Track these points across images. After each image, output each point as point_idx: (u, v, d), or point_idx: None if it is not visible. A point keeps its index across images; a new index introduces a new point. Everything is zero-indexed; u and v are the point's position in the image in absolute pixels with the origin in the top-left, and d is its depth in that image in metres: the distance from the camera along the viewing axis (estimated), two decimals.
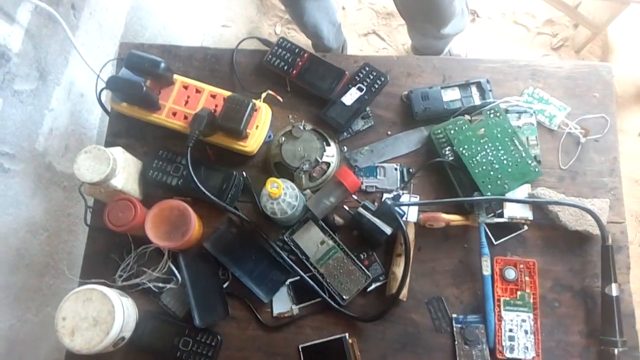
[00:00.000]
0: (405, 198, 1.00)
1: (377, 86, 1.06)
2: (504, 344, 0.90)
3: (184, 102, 1.03)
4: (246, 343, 0.94)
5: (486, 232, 0.97)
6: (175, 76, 1.05)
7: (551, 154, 1.02)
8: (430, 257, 0.97)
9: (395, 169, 1.02)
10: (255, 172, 1.03)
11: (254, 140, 1.01)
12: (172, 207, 0.95)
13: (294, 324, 0.95)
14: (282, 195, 0.87)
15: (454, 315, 0.94)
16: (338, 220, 0.99)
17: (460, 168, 0.98)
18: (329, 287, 0.95)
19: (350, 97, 1.05)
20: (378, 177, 1.02)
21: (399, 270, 0.93)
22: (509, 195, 0.96)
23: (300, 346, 0.93)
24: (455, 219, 0.97)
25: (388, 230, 0.95)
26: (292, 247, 0.97)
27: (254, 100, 1.00)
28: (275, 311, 0.96)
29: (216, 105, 1.01)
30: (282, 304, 0.96)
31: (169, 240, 0.93)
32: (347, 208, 0.98)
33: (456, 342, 0.92)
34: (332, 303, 0.94)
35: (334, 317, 0.95)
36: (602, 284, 0.91)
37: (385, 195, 1.00)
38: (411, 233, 0.96)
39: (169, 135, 1.03)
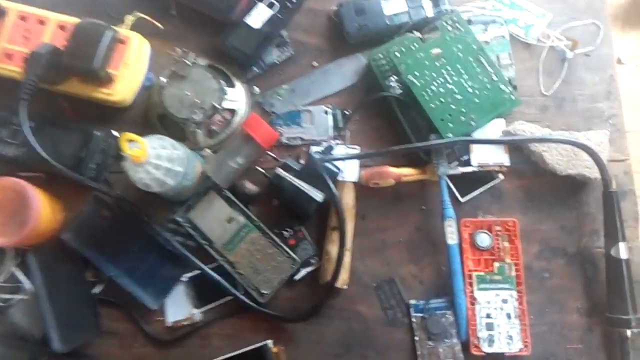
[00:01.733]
0: (340, 150, 0.74)
1: (294, 0, 0.77)
2: (480, 334, 0.67)
3: (22, 39, 0.73)
4: None
5: (449, 188, 0.72)
6: (8, 3, 0.74)
7: (530, 77, 0.76)
8: (378, 227, 0.72)
9: (326, 113, 0.76)
10: (136, 130, 0.75)
11: (123, 86, 0.72)
12: (4, 187, 0.66)
13: (197, 334, 0.70)
14: (151, 157, 0.60)
15: (412, 302, 0.70)
16: (250, 188, 0.72)
17: (410, 104, 0.72)
18: (243, 281, 0.69)
19: (258, 17, 0.76)
20: (303, 125, 0.75)
21: (334, 248, 0.68)
22: (476, 135, 0.71)
23: None
24: (407, 172, 0.72)
25: (319, 196, 0.69)
26: (189, 229, 0.70)
27: (115, 28, 0.71)
28: (170, 319, 0.70)
29: (67, 40, 0.71)
30: (178, 308, 0.70)
31: (4, 234, 0.65)
32: (262, 170, 0.72)
33: (416, 338, 0.69)
34: (248, 301, 0.69)
35: (252, 320, 0.70)
36: (605, 243, 0.68)
37: (314, 149, 0.74)
38: (349, 196, 0.71)
39: (4, 87, 0.73)
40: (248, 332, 0.69)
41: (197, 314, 0.70)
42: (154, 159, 0.60)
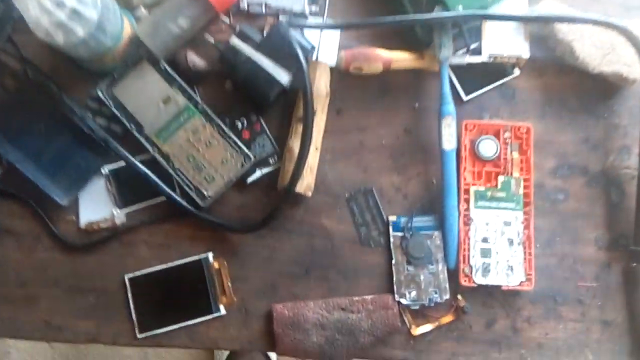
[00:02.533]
0: (315, 22, 0.57)
1: None
2: (472, 262, 0.54)
3: None
4: (33, 273, 0.54)
5: (451, 81, 0.57)
6: None
7: None
8: (357, 125, 0.57)
9: None
10: None
11: None
12: None
13: (118, 240, 0.55)
14: None
15: (392, 218, 0.56)
16: (196, 62, 0.56)
17: None
18: (179, 177, 0.55)
19: None
20: None
21: (298, 145, 0.53)
22: (492, 10, 0.55)
23: (127, 276, 0.54)
24: (400, 57, 0.56)
25: (284, 77, 0.53)
26: (113, 109, 0.55)
27: None
28: (84, 220, 0.55)
29: None
30: (95, 207, 0.55)
31: None
32: (212, 41, 0.55)
33: (394, 261, 0.55)
34: (185, 204, 0.54)
35: (189, 228, 0.55)
36: None
37: (283, 18, 0.58)
38: (323, 81, 0.55)
39: None
40: (183, 242, 0.55)
41: (119, 215, 0.55)
42: None
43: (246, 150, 0.55)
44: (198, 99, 0.55)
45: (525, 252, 0.54)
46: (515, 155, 0.56)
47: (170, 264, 0.55)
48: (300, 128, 0.54)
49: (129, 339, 0.54)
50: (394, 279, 0.54)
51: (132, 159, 0.54)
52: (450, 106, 0.54)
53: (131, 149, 0.55)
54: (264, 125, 0.56)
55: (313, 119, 0.52)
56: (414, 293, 0.54)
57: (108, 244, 0.55)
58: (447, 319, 0.54)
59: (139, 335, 0.54)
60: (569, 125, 0.57)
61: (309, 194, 0.54)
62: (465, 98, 0.57)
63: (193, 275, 0.54)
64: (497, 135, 0.56)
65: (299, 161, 0.51)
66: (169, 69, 0.55)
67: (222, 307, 0.54)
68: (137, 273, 0.54)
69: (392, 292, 0.54)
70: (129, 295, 0.54)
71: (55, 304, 0.54)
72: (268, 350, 0.54)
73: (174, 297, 0.54)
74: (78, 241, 0.55)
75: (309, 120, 0.51)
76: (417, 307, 0.54)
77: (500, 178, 0.55)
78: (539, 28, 0.57)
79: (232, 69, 0.55)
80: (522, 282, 0.53)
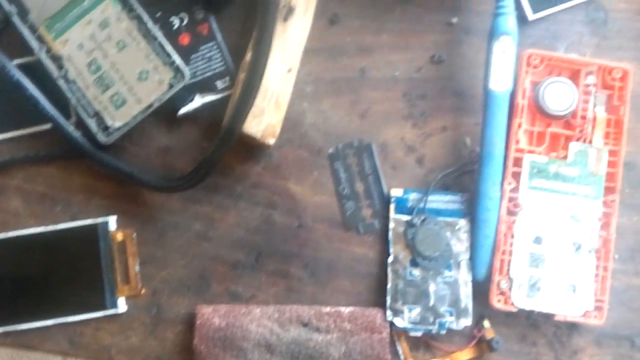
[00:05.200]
0: None
1: None
2: (514, 273, 0.34)
3: None
4: None
5: None
6: None
7: None
8: (359, 43, 0.37)
9: None
10: None
11: None
12: None
13: None
14: None
15: (396, 192, 0.36)
16: None
17: None
18: (75, 97, 0.35)
19: None
20: None
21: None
22: None
23: None
24: None
25: None
26: None
27: None
28: None
29: None
30: None
31: None
32: None
33: (390, 259, 0.36)
34: (78, 138, 0.35)
35: (85, 176, 0.36)
36: None
37: None
38: None
39: None
40: (75, 197, 0.36)
41: None
42: None
43: (180, 63, 0.35)
44: None
45: (599, 266, 0.35)
46: (601, 112, 0.35)
47: (51, 227, 0.36)
48: None
49: None
50: (389, 286, 0.35)
51: (4, 59, 0.35)
52: (509, 20, 0.34)
53: (9, 45, 0.36)
54: (215, 27, 0.36)
55: (274, 12, 0.31)
56: (417, 311, 0.35)
57: None
58: (465, 355, 0.35)
59: None
60: None
61: (271, 141, 0.34)
62: (531, 17, 0.37)
63: (83, 249, 0.35)
64: (574, 78, 0.35)
65: (248, 84, 0.31)
66: None
67: (121, 302, 0.35)
68: (2, 235, 0.36)
69: (382, 306, 0.35)
70: None
71: None
72: None
73: (52, 279, 0.36)
74: None
75: (268, 15, 0.31)
76: (419, 334, 0.35)
77: (574, 146, 0.35)
78: None
79: None
80: (587, 311, 0.34)
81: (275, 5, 0.31)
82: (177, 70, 0.35)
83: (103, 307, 0.35)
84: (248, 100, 0.31)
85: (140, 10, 0.35)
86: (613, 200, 0.35)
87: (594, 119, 0.35)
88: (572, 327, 0.36)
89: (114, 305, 0.35)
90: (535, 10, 0.37)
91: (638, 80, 0.37)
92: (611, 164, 0.35)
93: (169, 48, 0.35)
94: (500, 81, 0.34)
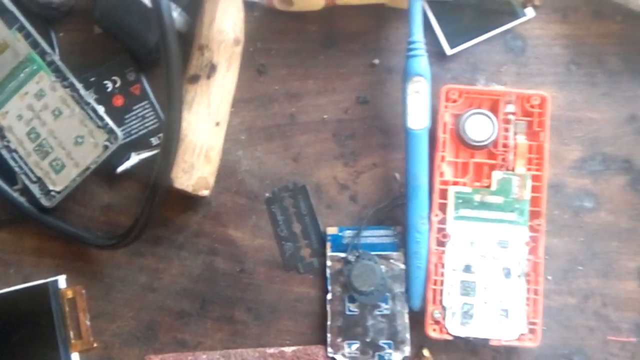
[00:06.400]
0: None
1: None
2: (447, 302, 0.36)
3: None
4: None
5: (428, 23, 0.37)
6: None
7: None
8: (287, 91, 0.38)
9: None
10: None
11: None
12: None
13: None
14: None
15: (332, 231, 0.38)
16: None
17: None
18: (18, 165, 0.37)
19: None
20: None
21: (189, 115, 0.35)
22: None
23: None
24: None
25: (172, 14, 0.35)
26: None
27: None
28: None
29: None
30: None
31: None
32: None
33: (329, 297, 0.37)
34: (24, 204, 0.37)
35: (35, 238, 0.38)
36: None
37: None
38: (230, 21, 0.36)
39: None
40: (26, 259, 0.38)
41: None
42: None
43: (112, 125, 0.36)
44: (46, 46, 0.37)
45: (529, 289, 0.35)
46: (522, 140, 0.36)
47: (4, 290, 0.38)
48: (191, 93, 0.36)
49: None
50: (329, 323, 0.36)
51: None
52: (420, 62, 0.35)
53: None
54: (148, 87, 0.38)
55: (175, 71, 0.32)
56: (356, 346, 0.36)
57: None
58: None
59: None
60: (605, 95, 0.38)
61: (205, 192, 0.36)
62: (449, 52, 0.38)
63: (36, 308, 0.37)
64: (494, 109, 0.37)
65: (165, 143, 0.32)
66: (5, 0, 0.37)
67: (75, 357, 0.37)
68: None
69: (324, 342, 0.36)
70: None
71: None
72: None
73: (7, 339, 0.37)
74: None
75: (173, 77, 0.32)
76: None
77: (497, 174, 0.36)
78: None
79: (102, 5, 0.37)
80: (522, 334, 0.35)
81: (178, 70, 0.32)
82: (111, 132, 0.36)
83: None
84: (168, 159, 0.33)
85: (72, 78, 0.37)
86: (539, 224, 0.36)
87: (515, 146, 0.37)
88: (511, 351, 0.37)
89: (68, 359, 0.37)
90: (452, 45, 0.38)
91: (558, 103, 0.38)
92: (535, 189, 0.36)
93: (101, 112, 0.36)
94: (417, 120, 0.35)
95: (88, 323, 0.37)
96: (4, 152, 0.37)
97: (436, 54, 0.38)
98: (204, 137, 0.36)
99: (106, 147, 0.36)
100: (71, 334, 0.37)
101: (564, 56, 0.38)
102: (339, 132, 0.39)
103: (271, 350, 0.36)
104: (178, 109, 0.32)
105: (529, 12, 0.38)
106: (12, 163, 0.37)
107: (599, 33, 0.38)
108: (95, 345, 0.37)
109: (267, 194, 0.38)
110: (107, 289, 0.38)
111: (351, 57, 0.39)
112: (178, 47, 0.32)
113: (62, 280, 0.37)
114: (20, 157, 0.37)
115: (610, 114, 0.38)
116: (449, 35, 0.38)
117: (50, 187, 0.37)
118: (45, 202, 0.37)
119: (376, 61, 0.39)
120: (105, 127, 0.36)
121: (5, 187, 0.37)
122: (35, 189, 0.37)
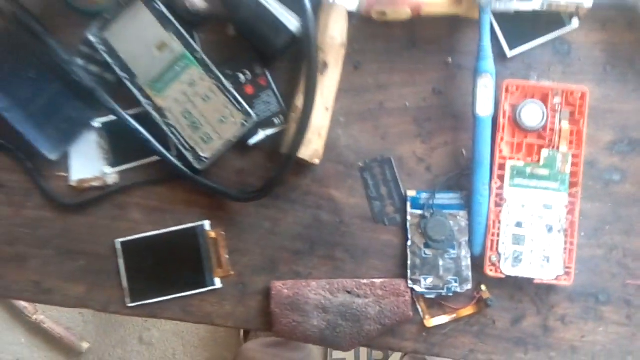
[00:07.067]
0: None
1: None
2: (502, 249, 0.46)
3: None
4: (23, 232, 0.51)
5: (493, 31, 0.47)
6: None
7: None
8: (377, 83, 0.49)
9: None
10: None
11: None
12: None
13: (110, 200, 0.51)
14: None
15: (411, 193, 0.49)
16: (195, 2, 0.49)
17: None
18: (175, 136, 0.49)
19: None
20: None
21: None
22: None
23: (118, 241, 0.50)
24: (432, 0, 0.47)
25: (293, 23, 0.46)
26: (105, 54, 0.49)
27: None
28: (74, 177, 0.51)
29: None
30: (86, 163, 0.51)
31: None
32: None
33: (409, 243, 0.48)
34: (180, 166, 0.49)
35: (185, 192, 0.50)
36: None
37: None
38: (338, 28, 0.47)
39: None
40: (178, 207, 0.50)
41: (110, 173, 0.51)
42: None
43: (247, 108, 0.48)
44: (196, 46, 0.48)
45: (566, 242, 0.46)
46: (565, 125, 0.46)
47: (163, 230, 0.50)
48: None
49: (119, 307, 0.50)
50: (409, 262, 0.48)
51: (121, 111, 0.49)
52: (488, 62, 0.45)
53: (125, 101, 0.49)
54: (270, 79, 0.49)
55: (316, 72, 0.44)
56: (430, 280, 0.48)
57: (100, 204, 0.51)
58: (467, 311, 0.48)
59: (129, 304, 0.50)
60: (634, 91, 0.47)
61: (317, 161, 0.48)
62: (509, 54, 0.48)
63: (188, 244, 0.50)
64: (544, 100, 0.47)
65: (301, 123, 0.44)
66: (164, 9, 0.48)
67: (217, 281, 0.50)
68: (129, 238, 0.50)
69: (405, 277, 0.48)
70: (120, 261, 0.50)
71: (45, 265, 0.51)
72: (265, 331, 0.50)
73: (168, 266, 0.50)
74: (69, 200, 0.51)
75: (313, 74, 0.44)
76: (432, 296, 0.48)
77: (544, 152, 0.46)
78: None
79: (236, 12, 0.47)
80: (559, 275, 0.46)
81: (316, 66, 0.44)
82: (247, 113, 0.48)
83: (204, 285, 0.49)
84: (302, 135, 0.44)
85: (216, 71, 0.48)
86: (576, 192, 0.46)
87: (560, 130, 0.47)
88: (549, 288, 0.47)
89: (212, 283, 0.49)
90: (512, 48, 0.48)
91: (595, 97, 0.47)
92: (574, 164, 0.46)
93: (239, 98, 0.48)
94: (484, 108, 0.46)
95: (226, 257, 0.49)
96: (164, 127, 0.49)
97: (499, 55, 0.48)
98: (318, 119, 0.47)
99: (243, 125, 0.48)
100: (214, 264, 0.50)
101: (602, 59, 0.48)
102: (418, 116, 0.49)
103: (364, 281, 0.48)
104: (312, 98, 0.43)
105: (575, 22, 0.47)
106: (170, 135, 0.49)
107: (631, 40, 0.47)
108: (232, 273, 0.50)
109: (360, 164, 0.49)
110: (240, 232, 0.50)
111: (429, 56, 0.49)
112: (317, 54, 0.43)
113: (207, 225, 0.50)
114: (177, 131, 0.49)
115: (637, 106, 0.47)
116: (509, 40, 0.48)
117: (201, 154, 0.49)
118: (197, 165, 0.49)
119: (449, 60, 0.49)
120: (242, 109, 0.48)
121: (167, 153, 0.49)
122: (189, 155, 0.49)
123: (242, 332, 1.18)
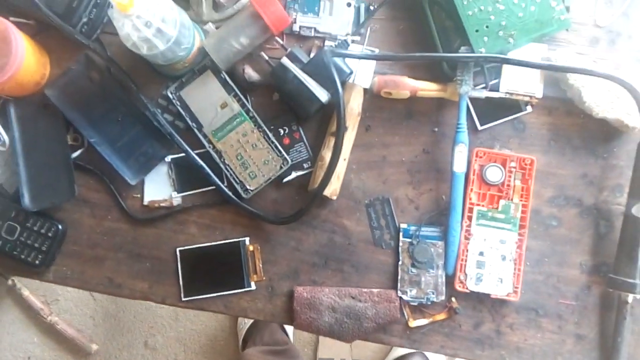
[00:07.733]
0: (356, 48, 0.66)
1: None
2: (468, 271, 0.63)
3: None
4: (102, 238, 0.66)
5: (468, 111, 0.65)
6: None
7: (586, 1, 0.66)
8: (382, 142, 0.66)
9: (348, 5, 0.67)
10: None
11: None
12: None
13: (173, 218, 0.66)
14: (139, 10, 0.53)
15: (403, 226, 0.65)
16: (251, 74, 0.66)
17: (445, 6, 0.63)
18: (228, 172, 0.65)
19: None
20: (320, 13, 0.67)
21: (330, 155, 0.63)
22: (512, 54, 0.62)
23: (178, 249, 0.65)
24: (426, 87, 0.64)
25: (323, 95, 0.63)
26: (179, 108, 0.65)
27: None
28: (147, 198, 0.66)
29: None
30: (158, 188, 0.66)
31: None
32: (266, 57, 0.65)
33: (400, 262, 0.64)
34: (230, 194, 0.64)
35: (232, 214, 0.66)
36: (628, 201, 0.61)
37: (328, 44, 0.66)
38: (356, 102, 0.64)
39: None
40: (226, 225, 0.66)
41: (176, 197, 0.66)
42: (144, 14, 0.54)
43: (284, 154, 0.64)
44: (249, 106, 0.65)
45: (515, 268, 0.62)
46: (518, 183, 0.63)
47: (214, 243, 0.65)
48: (332, 141, 0.63)
49: (175, 300, 0.65)
50: (399, 277, 0.64)
51: (191, 151, 0.65)
52: (463, 135, 0.62)
53: (191, 143, 0.65)
54: (303, 134, 0.66)
55: (344, 134, 0.61)
56: (414, 291, 0.63)
57: (165, 220, 0.66)
58: (441, 316, 0.63)
59: (183, 298, 0.65)
60: (570, 161, 0.65)
61: (334, 197, 0.64)
62: (480, 127, 0.65)
63: (232, 254, 0.65)
64: (503, 163, 0.64)
65: (328, 169, 0.60)
66: (227, 78, 0.65)
67: (253, 283, 0.65)
68: (187, 247, 0.65)
69: (395, 288, 0.64)
70: (179, 264, 0.65)
71: (117, 265, 0.66)
72: (287, 324, 0.65)
73: (215, 270, 0.65)
74: (141, 215, 0.66)
75: (340, 135, 0.61)
76: (415, 304, 0.63)
77: (502, 202, 0.63)
78: (553, 72, 0.65)
79: (280, 84, 0.64)
80: (509, 293, 0.62)
81: (345, 129, 0.60)
82: (284, 159, 0.64)
83: (242, 286, 0.65)
84: (328, 178, 0.60)
85: (263, 126, 0.64)
86: (524, 232, 0.63)
87: (514, 186, 0.63)
88: (502, 302, 0.63)
89: (249, 285, 0.65)
90: (482, 124, 0.65)
91: (541, 163, 0.64)
92: (523, 212, 0.63)
93: (279, 147, 0.64)
94: (459, 166, 0.62)
95: (260, 266, 0.65)
96: (221, 165, 0.65)
97: (472, 128, 0.65)
98: (338, 166, 0.63)
99: (281, 167, 0.64)
100: (251, 270, 0.65)
101: (547, 136, 0.65)
102: (411, 168, 0.66)
103: (365, 290, 0.63)
104: (339, 152, 0.60)
105: (529, 108, 0.65)
106: (225, 171, 0.65)
107: (569, 123, 0.65)
108: (264, 278, 0.65)
109: (366, 201, 0.66)
110: (272, 247, 0.65)
111: (421, 125, 0.66)
112: (345, 120, 0.59)
113: (247, 240, 0.65)
114: (230, 168, 0.65)
115: (571, 171, 0.65)
116: (480, 118, 0.65)
117: (247, 187, 0.64)
118: (244, 195, 0.64)
119: (436, 129, 0.66)
120: (281, 156, 0.64)
121: (221, 184, 0.65)
122: (238, 187, 0.65)
123: (240, 340, 1.32)
